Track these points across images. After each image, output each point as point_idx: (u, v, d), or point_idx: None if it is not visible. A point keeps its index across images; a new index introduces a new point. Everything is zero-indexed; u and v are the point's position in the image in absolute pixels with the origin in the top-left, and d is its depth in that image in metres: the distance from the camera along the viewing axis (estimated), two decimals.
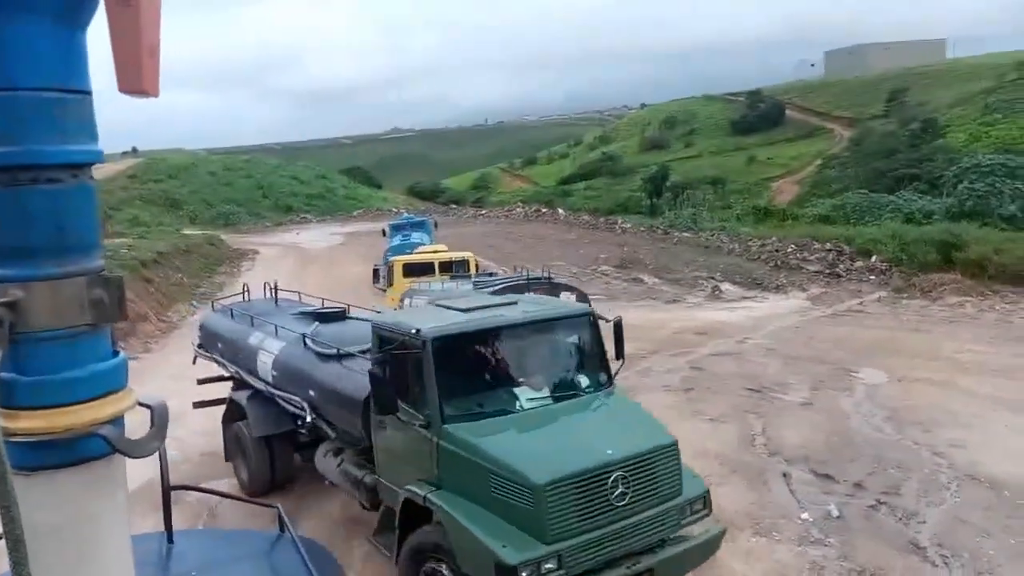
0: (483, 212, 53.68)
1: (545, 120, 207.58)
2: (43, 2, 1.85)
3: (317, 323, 9.22)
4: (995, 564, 7.24)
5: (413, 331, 6.45)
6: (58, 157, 1.93)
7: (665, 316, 19.57)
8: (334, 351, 8.11)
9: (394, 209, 54.12)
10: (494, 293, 12.55)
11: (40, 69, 1.87)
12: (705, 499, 6.43)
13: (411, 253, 20.03)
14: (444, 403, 6.20)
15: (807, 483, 9.21)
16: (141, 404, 2.18)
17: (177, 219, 51.41)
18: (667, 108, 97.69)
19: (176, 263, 28.70)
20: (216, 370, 10.92)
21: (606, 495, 5.71)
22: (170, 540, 4.25)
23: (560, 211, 48.69)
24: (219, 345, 10.63)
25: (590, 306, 13.39)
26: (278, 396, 8.72)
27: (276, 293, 11.64)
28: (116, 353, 2.13)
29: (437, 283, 15.75)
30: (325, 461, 8.28)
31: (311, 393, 8.07)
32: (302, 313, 10.14)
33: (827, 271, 25.00)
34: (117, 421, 2.08)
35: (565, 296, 12.95)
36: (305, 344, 8.53)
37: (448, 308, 7.23)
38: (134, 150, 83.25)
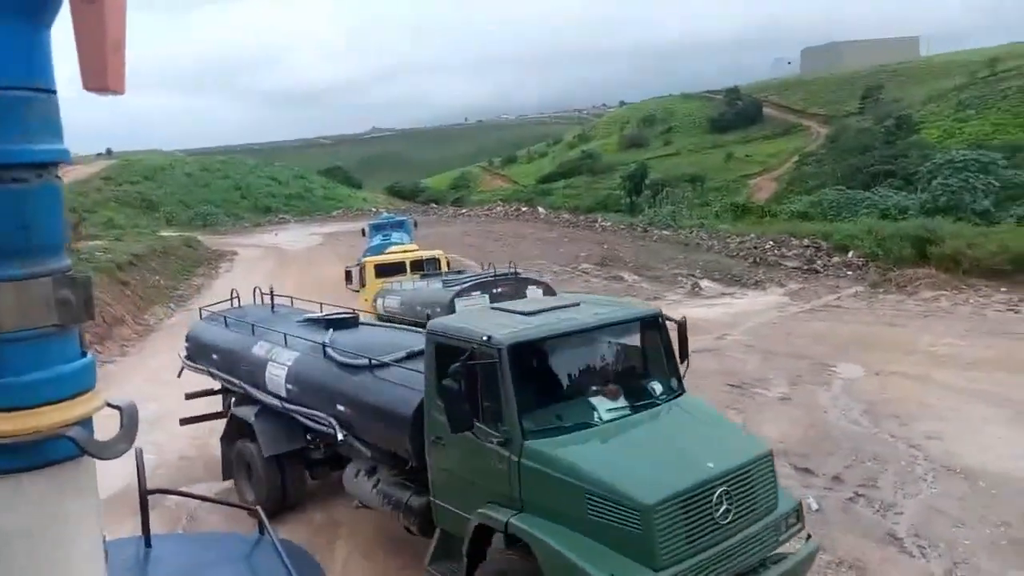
0: (463, 211, 53.67)
1: (524, 119, 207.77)
2: (6, 0, 1.82)
3: (332, 330, 8.60)
4: (971, 553, 7.34)
5: (484, 338, 5.85)
6: (23, 156, 1.90)
7: None
8: (365, 361, 7.43)
9: (374, 209, 53.96)
10: (463, 290, 12.63)
11: (3, 67, 1.85)
12: (798, 512, 6.04)
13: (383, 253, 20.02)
14: (523, 417, 5.66)
15: (786, 477, 9.27)
16: (110, 405, 2.15)
17: (153, 221, 50.93)
18: (646, 106, 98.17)
19: (153, 265, 28.42)
20: (204, 383, 10.40)
21: (711, 513, 5.27)
22: (148, 544, 4.21)
23: (540, 210, 48.76)
24: (214, 357, 9.93)
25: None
26: (296, 412, 8.06)
27: (272, 299, 11.02)
28: (84, 354, 2.10)
29: (409, 282, 15.75)
30: (357, 482, 7.59)
31: (340, 408, 7.39)
32: (308, 320, 9.58)
33: (805, 267, 25.23)
34: (86, 423, 2.05)
35: (532, 291, 13.04)
36: (325, 354, 7.91)
37: (507, 312, 6.65)
38: (108, 152, 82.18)
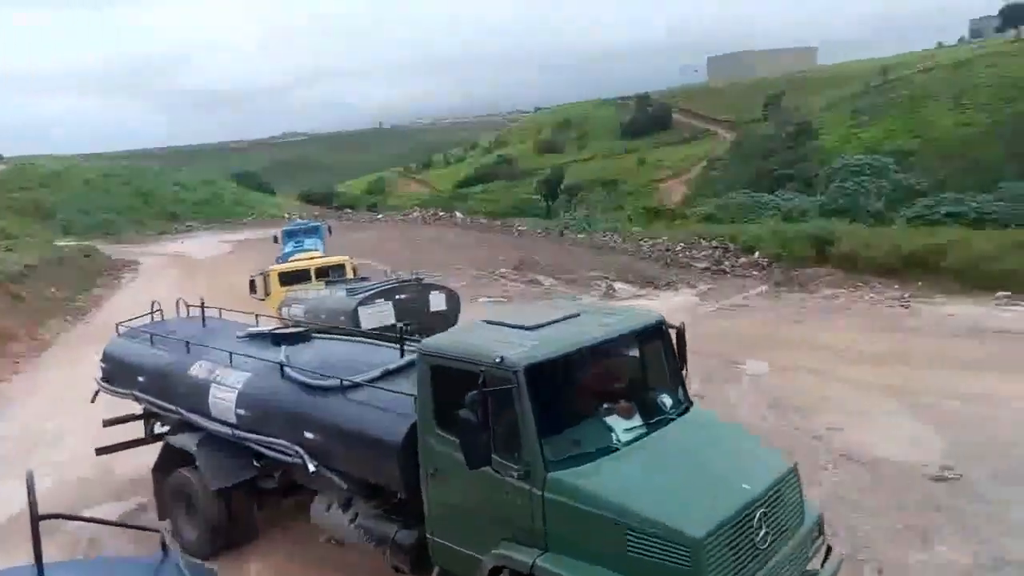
0: (379, 216, 53.00)
1: (441, 123, 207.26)
2: None
3: (284, 347, 7.88)
4: (871, 540, 7.70)
5: (496, 359, 5.25)
6: None
7: None
8: (336, 381, 6.75)
9: (287, 215, 52.63)
10: (366, 298, 12.55)
11: None
12: (820, 525, 5.82)
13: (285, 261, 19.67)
14: (544, 446, 5.17)
15: None
16: None
17: (49, 229, 48.21)
18: (561, 112, 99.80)
19: (48, 277, 26.92)
20: (121, 407, 9.61)
21: (752, 538, 4.98)
22: (40, 573, 3.98)
23: (458, 214, 48.68)
24: (139, 379, 9.02)
25: (459, 305, 13.63)
26: (251, 441, 7.37)
27: (203, 312, 9.98)
28: None
29: (314, 290, 15.48)
30: (330, 516, 6.96)
31: (309, 436, 6.74)
32: (252, 335, 8.75)
33: (714, 268, 26.06)
34: None
35: (435, 297, 13.06)
36: (284, 374, 7.26)
37: (504, 326, 5.99)
38: None
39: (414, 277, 13.76)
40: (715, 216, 37.89)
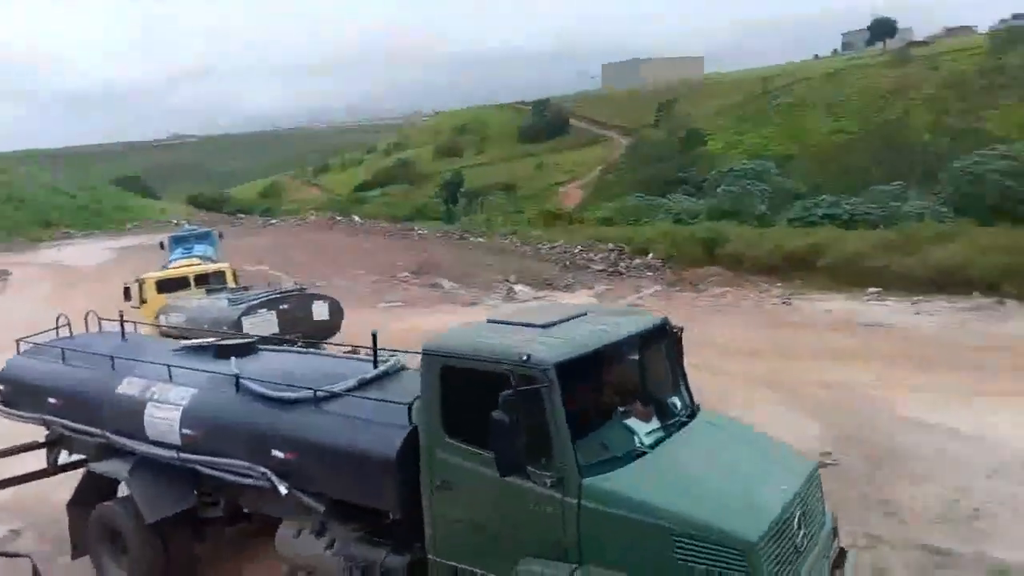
0: (273, 222, 51.52)
1: (336, 126, 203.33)
2: None
3: (234, 358, 7.20)
4: None
5: (522, 357, 4.89)
6: None
7: (466, 319, 19.91)
8: (309, 393, 6.13)
9: (174, 221, 50.38)
10: (249, 308, 12.33)
11: None
12: (834, 527, 5.74)
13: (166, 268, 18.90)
14: (577, 450, 4.83)
15: None
16: None
17: None
18: (459, 115, 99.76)
19: None
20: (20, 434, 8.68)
21: (793, 540, 4.83)
22: None
23: (356, 219, 47.98)
24: (50, 401, 8.13)
25: (342, 314, 13.59)
26: (202, 464, 6.66)
27: (123, 325, 9.08)
28: None
29: (194, 298, 14.99)
30: (301, 544, 6.24)
31: (277, 455, 6.09)
32: (190, 348, 8.05)
33: (610, 269, 26.83)
34: None
35: (318, 306, 13.00)
36: (240, 387, 6.61)
37: (515, 325, 5.62)
38: None
39: (296, 287, 13.56)
40: (611, 219, 38.91)
